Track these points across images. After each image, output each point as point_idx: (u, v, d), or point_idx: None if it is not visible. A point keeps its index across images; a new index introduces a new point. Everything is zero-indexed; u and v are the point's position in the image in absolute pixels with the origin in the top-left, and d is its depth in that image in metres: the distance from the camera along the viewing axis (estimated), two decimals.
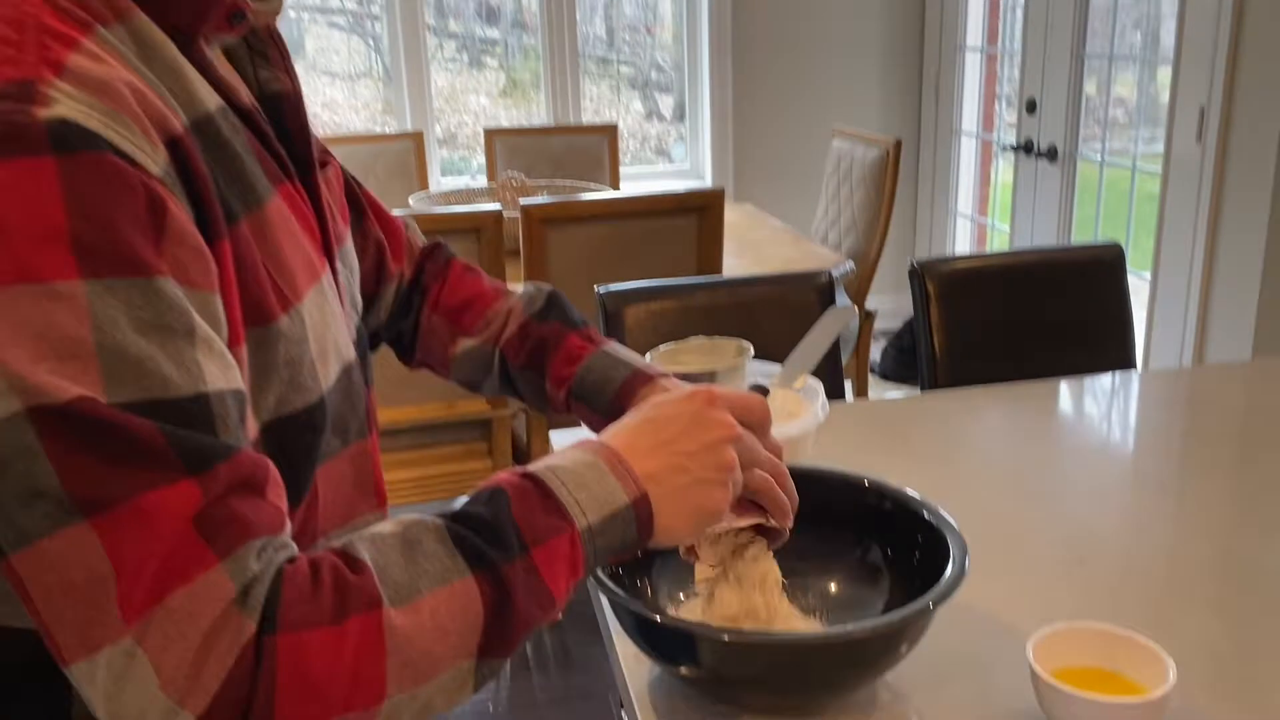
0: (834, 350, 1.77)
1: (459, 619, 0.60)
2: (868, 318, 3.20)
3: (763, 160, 4.43)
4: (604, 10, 4.59)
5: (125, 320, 0.53)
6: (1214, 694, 0.90)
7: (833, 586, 0.99)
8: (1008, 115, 4.20)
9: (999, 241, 4.25)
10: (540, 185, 3.25)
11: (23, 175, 0.52)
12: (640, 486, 0.68)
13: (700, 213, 2.43)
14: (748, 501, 0.81)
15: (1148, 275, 3.26)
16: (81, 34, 0.57)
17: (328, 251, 0.75)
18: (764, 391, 0.88)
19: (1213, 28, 2.90)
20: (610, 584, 0.86)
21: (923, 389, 1.91)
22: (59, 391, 0.51)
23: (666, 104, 4.76)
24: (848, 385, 3.10)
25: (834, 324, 1.11)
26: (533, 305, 0.98)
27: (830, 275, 1.86)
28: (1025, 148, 3.86)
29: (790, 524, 0.83)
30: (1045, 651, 0.85)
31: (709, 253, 2.47)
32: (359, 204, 0.96)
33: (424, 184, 3.75)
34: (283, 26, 4.21)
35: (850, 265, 2.91)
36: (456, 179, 4.39)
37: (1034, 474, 1.39)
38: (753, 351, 1.30)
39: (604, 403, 0.91)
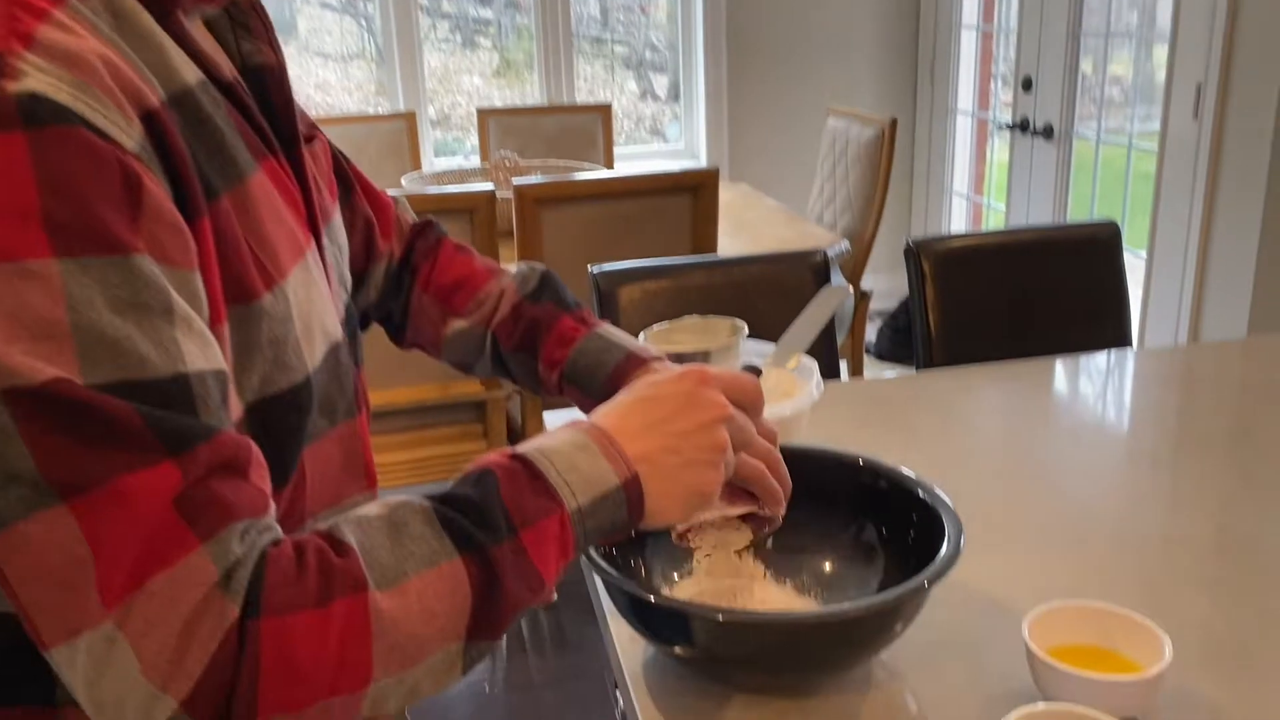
0: (829, 330, 1.76)
1: (446, 601, 0.59)
2: (863, 298, 3.19)
3: (758, 140, 4.41)
4: None
5: (101, 299, 0.52)
6: (1210, 671, 0.90)
7: (827, 565, 0.99)
8: (1003, 94, 4.18)
9: (995, 220, 4.24)
10: (534, 165, 3.23)
11: None
12: (631, 467, 0.68)
13: (695, 192, 2.42)
14: (740, 489, 0.80)
15: (1143, 254, 3.25)
16: (52, 5, 0.55)
17: (314, 228, 0.73)
18: (757, 372, 0.87)
19: (1209, 4, 2.88)
20: (604, 564, 0.86)
21: (918, 368, 1.90)
22: (33, 373, 0.50)
23: (661, 84, 4.74)
24: (843, 365, 3.10)
25: (828, 303, 1.10)
26: (525, 286, 0.96)
27: (825, 254, 1.85)
28: (1021, 126, 3.85)
29: (783, 511, 0.83)
30: (1041, 629, 0.84)
31: (704, 233, 2.45)
32: (347, 180, 0.94)
33: (417, 164, 3.73)
34: (274, 8, 4.18)
35: (845, 245, 2.90)
36: (450, 159, 4.36)
37: (1029, 452, 1.38)
38: (747, 330, 1.29)
39: (597, 386, 0.90)
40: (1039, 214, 3.81)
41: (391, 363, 2.17)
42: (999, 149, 4.22)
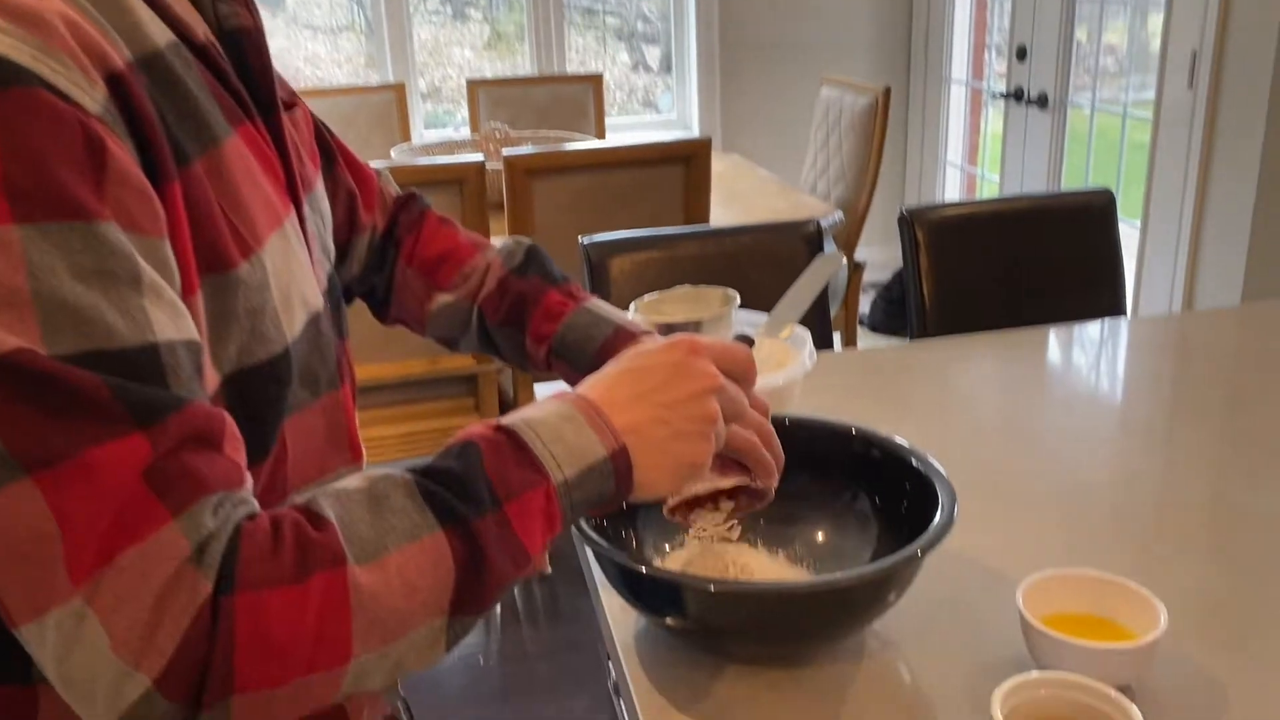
0: (822, 301, 1.75)
1: (428, 576, 0.58)
2: (856, 269, 3.18)
3: (751, 110, 4.38)
4: None
5: (63, 267, 0.50)
6: (1205, 639, 0.90)
7: (820, 535, 0.98)
8: (997, 64, 4.15)
9: (989, 191, 4.23)
10: (524, 136, 3.20)
11: None
12: (619, 439, 0.66)
13: (687, 162, 2.40)
14: (731, 461, 0.79)
15: (1137, 223, 3.24)
16: None
17: (294, 195, 0.72)
18: (749, 342, 0.86)
19: None
20: (594, 536, 0.85)
21: (911, 338, 1.89)
22: None
23: (653, 55, 4.69)
24: (836, 337, 3.08)
25: (822, 271, 1.08)
26: (511, 260, 0.95)
27: (818, 224, 1.84)
28: (1015, 95, 3.82)
29: (775, 484, 0.82)
30: (1035, 598, 0.84)
31: (696, 203, 2.43)
32: (329, 151, 0.93)
33: (406, 136, 3.70)
34: None
35: (839, 215, 2.88)
36: (440, 132, 4.33)
37: (1023, 421, 1.38)
38: (739, 300, 1.28)
39: (585, 361, 0.88)
40: (1033, 184, 3.79)
41: (380, 336, 2.16)
42: (993, 119, 4.20)
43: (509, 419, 0.66)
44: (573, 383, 0.88)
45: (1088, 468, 1.24)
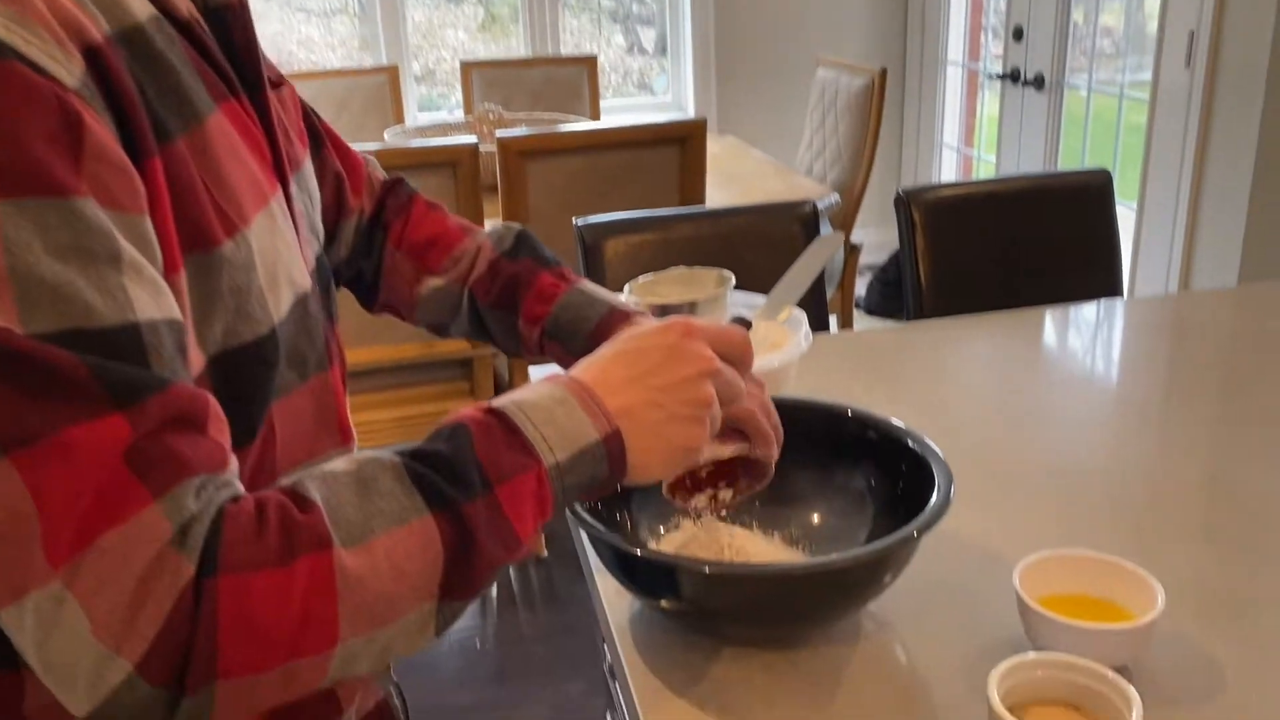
0: (818, 284, 1.74)
1: (417, 560, 0.57)
2: (852, 251, 3.17)
3: (746, 92, 4.36)
4: None
5: (40, 244, 0.49)
6: (1202, 619, 0.89)
7: (815, 517, 0.98)
8: (994, 45, 4.13)
9: (985, 173, 4.21)
10: (518, 118, 3.18)
11: None
12: (612, 422, 0.65)
13: (682, 144, 2.38)
14: (730, 430, 0.78)
15: (1134, 205, 3.23)
16: None
17: (280, 174, 0.71)
18: (746, 324, 0.85)
19: None
20: (589, 518, 0.84)
21: (908, 318, 1.88)
22: None
23: (648, 37, 4.67)
24: (832, 320, 3.08)
25: (821, 252, 1.07)
26: (502, 244, 0.94)
27: (814, 205, 1.83)
28: (1012, 77, 3.81)
29: (775, 454, 0.81)
30: (1032, 579, 0.83)
31: (691, 185, 2.42)
32: (317, 134, 0.91)
33: (400, 119, 3.68)
34: None
35: (835, 197, 2.87)
36: (434, 114, 4.30)
37: (1020, 402, 1.37)
38: (734, 281, 1.27)
39: (580, 342, 0.87)
40: (1029, 166, 3.78)
41: (374, 319, 2.14)
42: (989, 101, 4.18)
43: (500, 401, 0.65)
44: (565, 365, 0.87)
45: (1085, 448, 1.23)
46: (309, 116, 0.90)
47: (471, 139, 2.23)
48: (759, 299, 1.21)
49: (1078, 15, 3.56)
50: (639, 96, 4.64)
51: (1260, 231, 2.80)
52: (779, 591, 0.82)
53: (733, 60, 4.32)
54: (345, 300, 0.90)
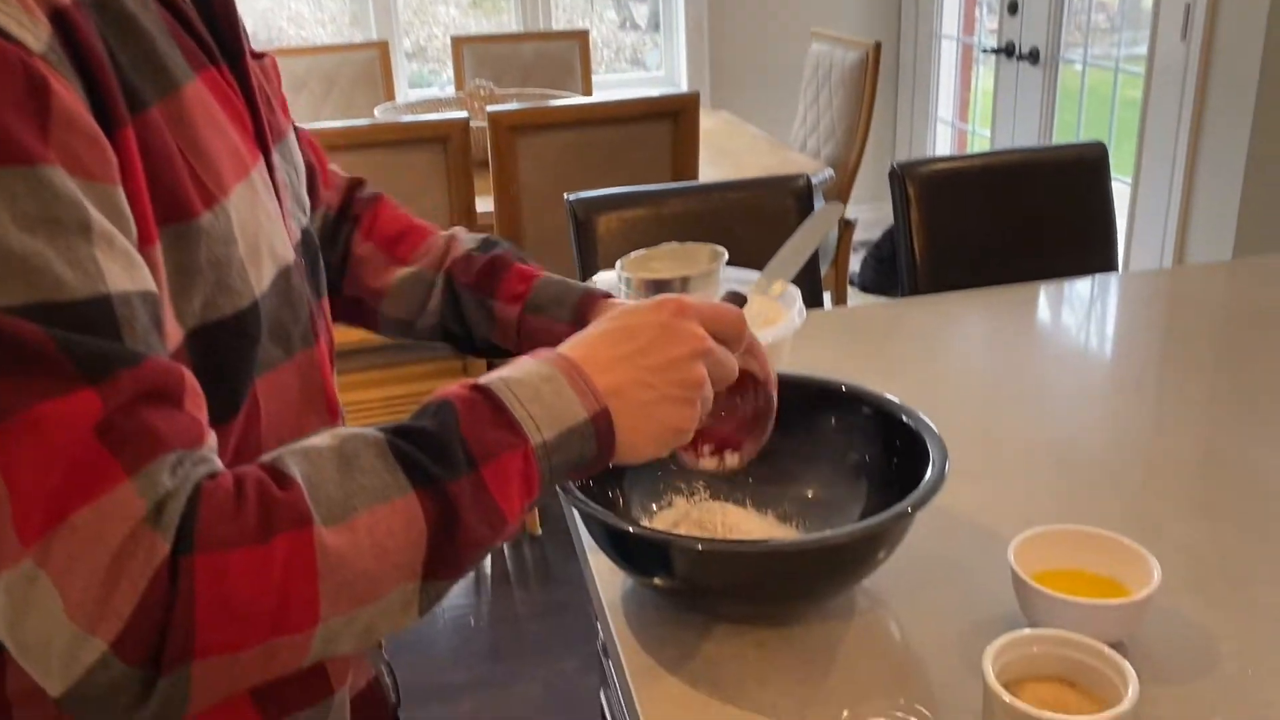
0: (813, 260, 1.73)
1: (400, 538, 0.56)
2: (847, 227, 3.15)
3: (740, 66, 4.33)
4: None
5: (6, 214, 0.48)
6: (1197, 594, 0.89)
7: (809, 493, 0.97)
8: (989, 19, 4.10)
9: (979, 149, 4.19)
10: (509, 94, 3.16)
11: None
12: (600, 400, 0.64)
13: (675, 118, 2.36)
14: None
15: (1128, 180, 3.22)
16: None
17: (262, 144, 0.69)
18: (741, 300, 0.84)
19: None
20: (581, 496, 0.83)
21: (903, 294, 1.87)
22: None
23: (641, 12, 4.63)
24: (826, 297, 3.07)
25: (821, 223, 1.04)
26: (471, 241, 0.93)
27: (808, 179, 1.81)
28: (1007, 51, 3.78)
29: (774, 395, 0.80)
30: (1027, 554, 0.83)
31: (684, 160, 2.40)
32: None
33: (390, 96, 3.65)
34: None
35: (829, 173, 2.85)
36: (424, 91, 4.27)
37: (1015, 378, 1.36)
38: (727, 256, 1.26)
39: (565, 312, 0.86)
40: (1024, 142, 3.76)
41: None
42: (984, 75, 4.16)
43: (486, 378, 0.64)
44: (546, 343, 0.86)
45: (1080, 423, 1.23)
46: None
47: (462, 114, 2.21)
48: (752, 275, 1.20)
49: None
50: (631, 72, 4.61)
51: (1255, 205, 2.79)
52: (772, 568, 0.81)
53: (726, 35, 4.29)
54: None
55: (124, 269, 0.52)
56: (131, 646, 0.49)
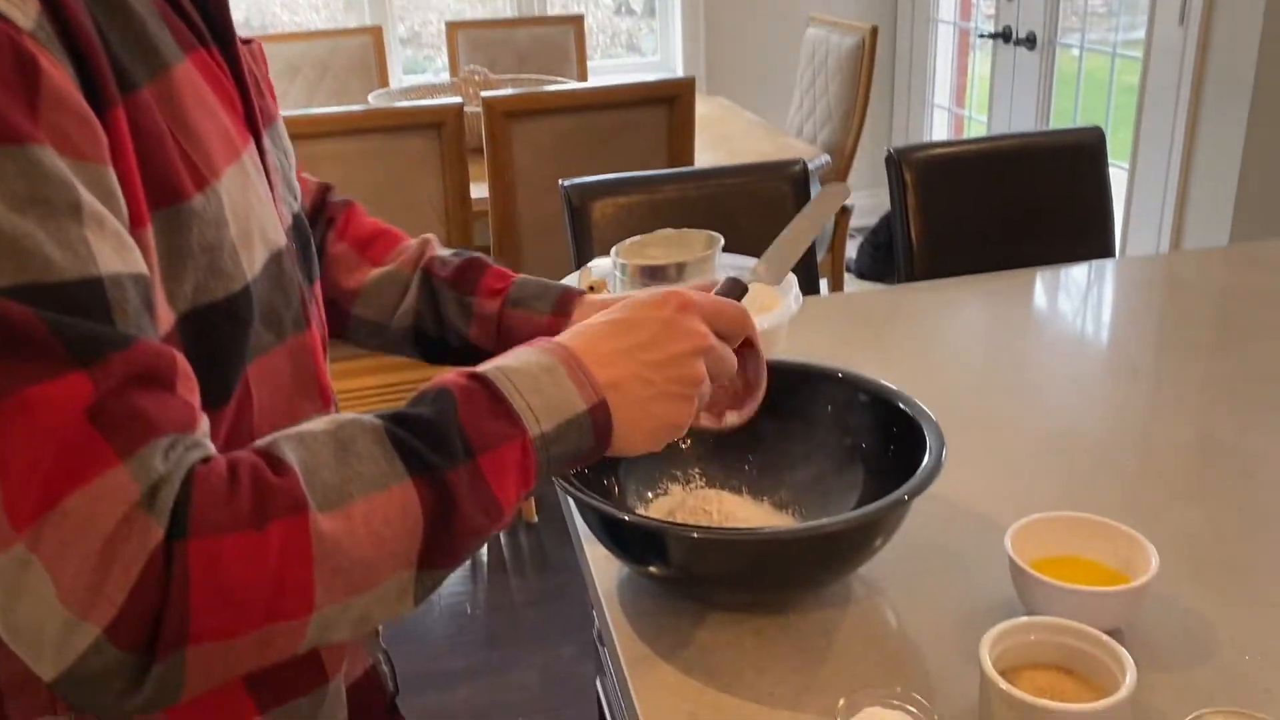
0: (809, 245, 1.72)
1: (396, 526, 0.55)
2: (843, 213, 3.14)
3: (736, 52, 4.31)
4: None
5: None
6: (1195, 581, 0.89)
7: (805, 480, 0.96)
8: (985, 4, 4.08)
9: (977, 133, 4.18)
10: (504, 80, 3.14)
11: None
12: (599, 393, 0.64)
13: (670, 104, 2.35)
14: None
15: (1125, 165, 3.21)
16: None
17: (252, 128, 0.68)
18: (742, 289, 0.82)
19: None
20: (575, 484, 0.83)
21: (899, 279, 1.87)
22: None
23: None
24: (823, 284, 3.06)
25: (828, 204, 0.98)
26: (445, 249, 0.93)
27: (804, 164, 1.80)
28: (1004, 35, 3.77)
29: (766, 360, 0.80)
30: (1024, 542, 0.82)
31: (680, 146, 2.39)
32: None
33: (384, 82, 3.63)
34: None
35: (826, 158, 2.84)
36: (419, 77, 4.25)
37: (1012, 364, 1.36)
38: (723, 242, 1.25)
39: (546, 304, 0.87)
40: (1021, 127, 3.75)
41: None
42: (981, 60, 4.14)
43: (485, 367, 0.63)
44: (524, 338, 0.85)
45: (1077, 410, 1.22)
46: None
47: (457, 100, 2.20)
48: (748, 261, 1.19)
49: None
50: (627, 57, 4.59)
51: (1252, 190, 2.78)
52: (768, 556, 0.81)
53: (722, 20, 4.26)
54: None
55: (115, 250, 0.52)
56: (125, 632, 0.49)
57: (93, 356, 0.49)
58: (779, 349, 1.20)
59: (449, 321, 0.89)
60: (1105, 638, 0.71)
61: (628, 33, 4.64)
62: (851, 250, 4.08)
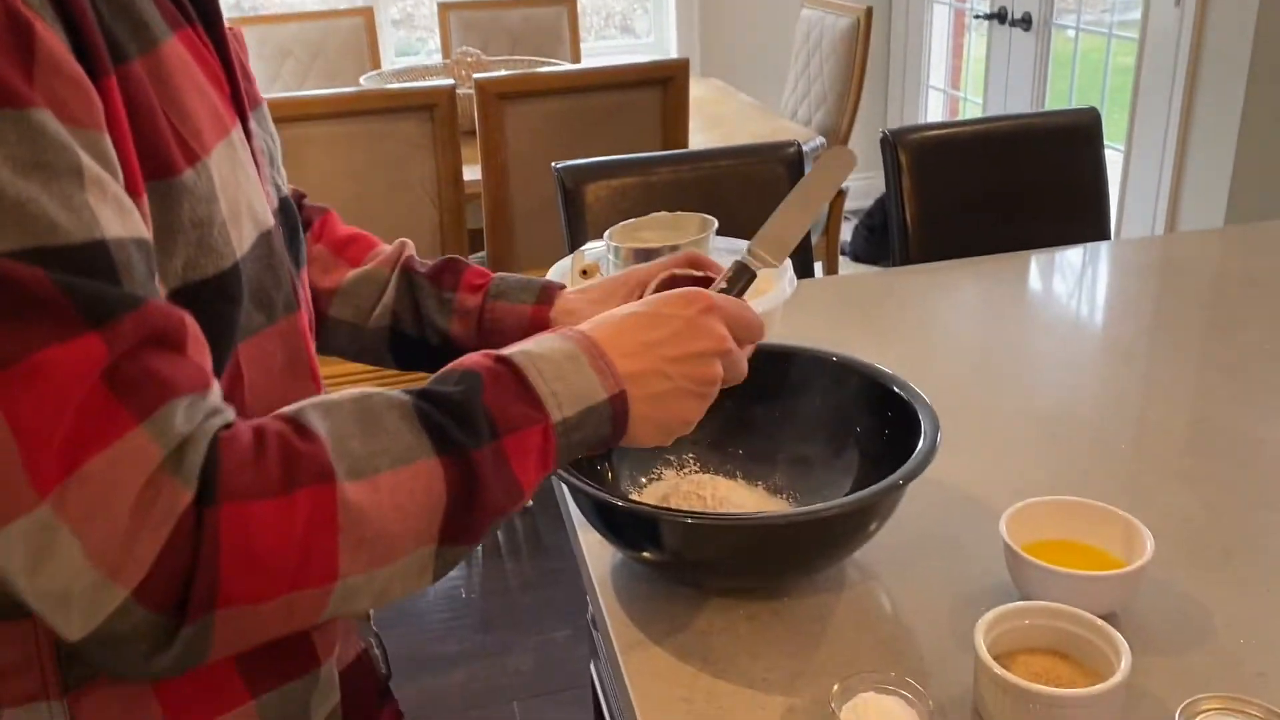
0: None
1: (420, 500, 0.56)
2: (838, 195, 3.13)
3: (730, 33, 4.28)
4: None
5: None
6: (1190, 565, 0.88)
7: (800, 465, 0.96)
8: None
9: (972, 115, 4.16)
10: (497, 62, 3.12)
11: None
12: (619, 383, 0.66)
13: (664, 85, 2.34)
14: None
15: (1121, 147, 3.20)
16: None
17: (239, 109, 0.68)
18: (750, 275, 0.82)
19: None
20: (569, 470, 0.82)
21: (894, 263, 1.86)
22: None
23: None
24: (817, 267, 3.05)
25: (829, 177, 0.89)
26: (418, 251, 0.94)
27: (799, 146, 1.79)
28: (999, 16, 3.75)
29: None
30: (1018, 526, 0.82)
31: (674, 128, 2.38)
32: None
33: (376, 64, 3.61)
34: None
35: (821, 140, 2.83)
36: (411, 59, 4.22)
37: (1007, 347, 1.36)
38: (716, 225, 1.24)
39: (530, 295, 0.88)
40: (1017, 108, 3.73)
41: None
42: (976, 42, 4.12)
43: (510, 351, 0.65)
44: (511, 328, 0.86)
45: (1072, 393, 1.22)
46: None
47: (449, 82, 2.18)
48: (741, 244, 1.18)
49: None
50: (621, 39, 4.56)
51: (1247, 173, 2.77)
52: (762, 542, 0.80)
53: (716, 1, 4.24)
54: None
55: (116, 214, 0.51)
56: (154, 593, 0.49)
57: (105, 317, 0.49)
58: (774, 332, 1.20)
59: (428, 318, 0.89)
60: (1100, 622, 0.71)
61: (621, 14, 4.61)
62: (846, 233, 4.07)
